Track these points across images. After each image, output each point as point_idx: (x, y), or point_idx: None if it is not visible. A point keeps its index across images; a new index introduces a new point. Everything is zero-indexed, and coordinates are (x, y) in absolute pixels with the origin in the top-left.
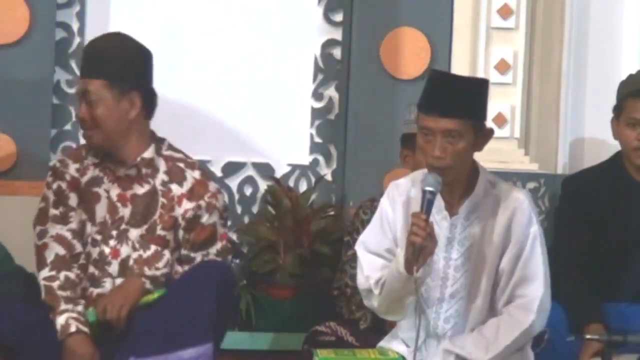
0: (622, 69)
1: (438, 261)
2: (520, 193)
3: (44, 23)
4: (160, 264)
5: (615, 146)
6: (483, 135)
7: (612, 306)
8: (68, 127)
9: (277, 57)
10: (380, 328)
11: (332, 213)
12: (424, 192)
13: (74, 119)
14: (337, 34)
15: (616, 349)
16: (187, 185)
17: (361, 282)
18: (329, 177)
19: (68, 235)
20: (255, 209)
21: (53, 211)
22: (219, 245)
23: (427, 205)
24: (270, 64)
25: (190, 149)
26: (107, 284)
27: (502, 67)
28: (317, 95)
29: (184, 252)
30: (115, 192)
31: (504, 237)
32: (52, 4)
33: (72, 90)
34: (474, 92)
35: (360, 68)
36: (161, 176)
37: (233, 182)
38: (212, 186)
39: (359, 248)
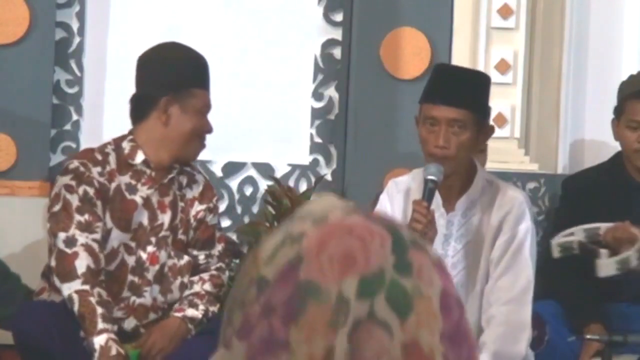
0: (622, 69)
1: None
2: (518, 192)
3: (44, 23)
4: (188, 276)
5: (615, 147)
6: (485, 132)
7: (612, 306)
8: (68, 127)
9: (277, 57)
10: None
11: None
12: (426, 180)
13: (74, 118)
14: (337, 34)
15: (616, 349)
16: (198, 188)
17: None
18: (329, 177)
19: (95, 246)
20: (255, 209)
21: (78, 217)
22: (219, 247)
23: (428, 193)
24: (270, 64)
25: None
26: (147, 294)
27: (502, 67)
28: (317, 95)
29: (188, 249)
30: (155, 198)
31: (497, 232)
32: (52, 4)
33: (72, 90)
34: (479, 85)
35: (360, 68)
36: (177, 179)
37: (233, 182)
38: (214, 189)
39: None
